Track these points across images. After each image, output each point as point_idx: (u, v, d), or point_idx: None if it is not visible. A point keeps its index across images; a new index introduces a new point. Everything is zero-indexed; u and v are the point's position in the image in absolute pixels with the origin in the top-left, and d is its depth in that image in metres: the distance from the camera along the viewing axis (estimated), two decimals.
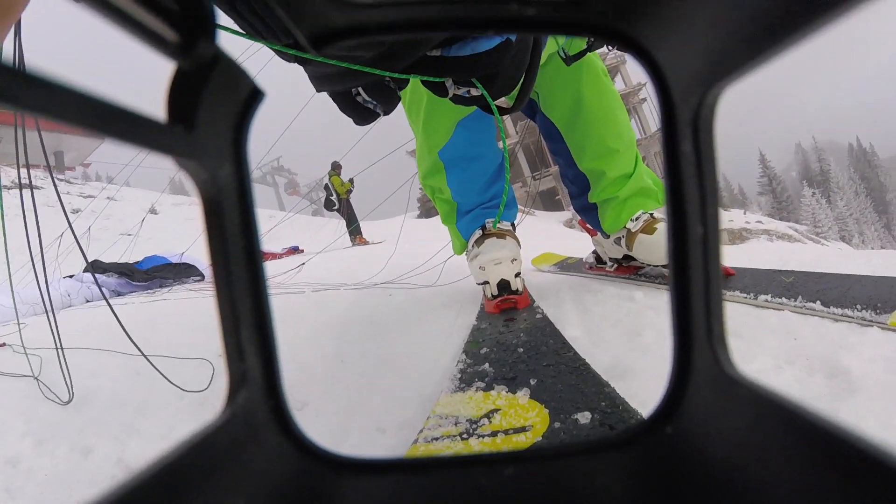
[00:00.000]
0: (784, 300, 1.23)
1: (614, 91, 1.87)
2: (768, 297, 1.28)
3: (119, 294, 4.96)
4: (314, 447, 0.40)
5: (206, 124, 0.33)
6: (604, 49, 1.52)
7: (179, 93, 0.32)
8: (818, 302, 1.15)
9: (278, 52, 0.73)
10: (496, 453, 0.39)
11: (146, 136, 0.28)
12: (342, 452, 0.40)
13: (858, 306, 1.07)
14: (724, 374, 0.33)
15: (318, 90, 0.92)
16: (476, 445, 0.70)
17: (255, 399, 0.37)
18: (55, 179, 1.70)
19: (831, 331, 1.05)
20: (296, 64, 0.80)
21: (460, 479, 0.37)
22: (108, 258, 6.24)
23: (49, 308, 1.61)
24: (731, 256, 1.69)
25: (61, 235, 4.39)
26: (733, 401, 0.32)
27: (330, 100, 1.00)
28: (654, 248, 1.69)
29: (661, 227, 1.70)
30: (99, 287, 1.78)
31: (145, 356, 1.39)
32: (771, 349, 1.01)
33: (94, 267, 4.71)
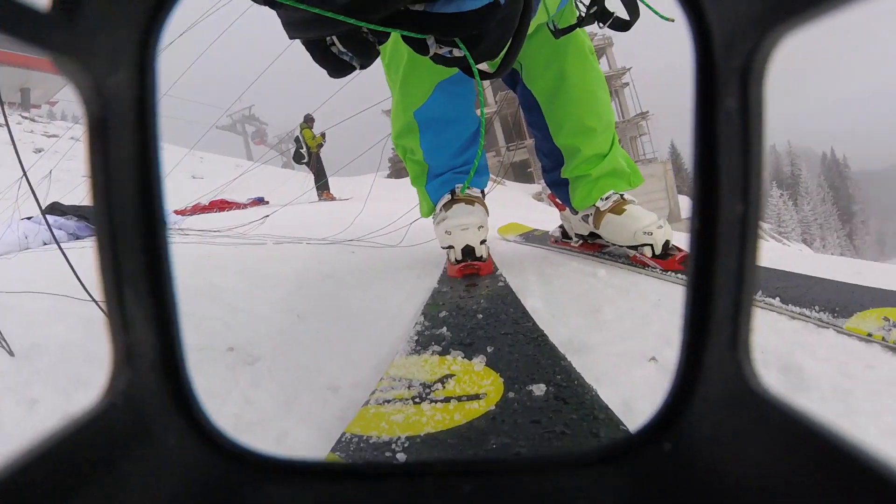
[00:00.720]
0: None
1: (599, 70, 1.86)
2: None
3: (78, 237, 4.76)
4: (226, 442, 0.33)
5: (97, 12, 0.26)
6: (593, 28, 1.49)
7: None
8: (777, 298, 1.16)
9: None
10: (453, 462, 0.33)
11: (11, 22, 0.22)
12: (261, 450, 0.33)
13: (817, 307, 1.08)
14: (748, 389, 0.28)
15: (291, 37, 0.87)
16: (428, 410, 0.69)
17: (145, 382, 0.30)
18: (6, 117, 1.55)
19: (788, 328, 1.07)
20: (267, 7, 0.75)
21: (405, 495, 0.31)
22: (69, 201, 6.00)
23: None
24: None
25: (21, 178, 4.18)
26: (756, 421, 0.27)
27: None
28: (621, 228, 1.70)
29: (630, 209, 1.71)
30: (51, 231, 1.70)
31: (97, 303, 1.33)
32: None
33: (53, 210, 4.49)
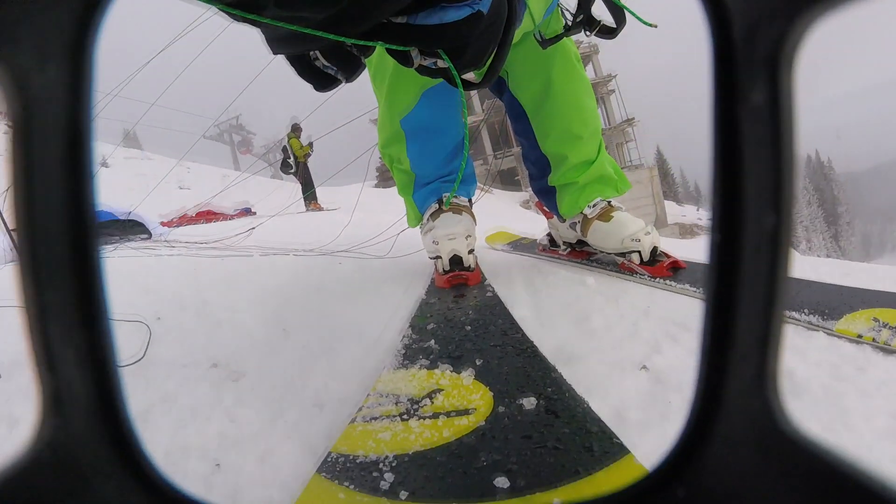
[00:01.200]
0: None
1: (585, 78, 1.86)
2: None
3: None
4: (176, 495, 0.28)
5: None
6: (580, 35, 1.49)
7: None
8: None
9: (225, 12, 0.67)
10: None
11: None
12: (216, 502, 0.28)
13: (806, 310, 1.08)
14: (776, 429, 0.24)
15: (274, 53, 0.86)
16: (416, 427, 0.67)
17: (78, 430, 0.25)
18: None
19: None
20: (245, 25, 0.74)
21: None
22: None
23: None
24: (683, 250, 1.71)
25: (7, 189, 4.12)
26: (786, 468, 0.23)
27: None
28: (609, 235, 1.70)
29: (617, 216, 1.71)
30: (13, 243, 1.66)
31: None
32: None
33: None
